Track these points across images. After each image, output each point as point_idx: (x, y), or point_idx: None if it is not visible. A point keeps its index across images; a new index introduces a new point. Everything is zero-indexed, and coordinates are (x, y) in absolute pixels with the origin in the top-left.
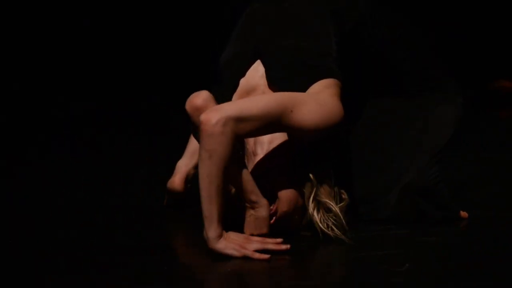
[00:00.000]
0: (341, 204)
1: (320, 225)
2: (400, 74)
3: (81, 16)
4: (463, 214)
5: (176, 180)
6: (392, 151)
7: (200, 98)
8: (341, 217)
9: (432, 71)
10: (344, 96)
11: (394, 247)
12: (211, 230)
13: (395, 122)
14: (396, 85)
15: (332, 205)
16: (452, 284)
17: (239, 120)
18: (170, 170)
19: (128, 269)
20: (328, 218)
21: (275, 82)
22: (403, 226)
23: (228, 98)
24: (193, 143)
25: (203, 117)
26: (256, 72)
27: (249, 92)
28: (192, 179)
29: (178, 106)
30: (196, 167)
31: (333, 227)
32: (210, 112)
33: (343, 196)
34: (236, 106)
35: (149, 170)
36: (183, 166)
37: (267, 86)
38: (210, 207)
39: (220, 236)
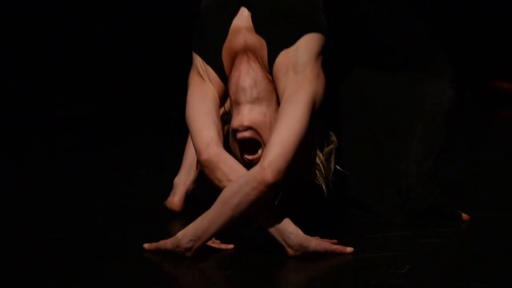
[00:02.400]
0: (329, 147)
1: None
2: (394, 49)
3: (81, 17)
4: (465, 216)
5: (176, 201)
6: (385, 143)
7: (207, 154)
8: (322, 167)
9: (426, 48)
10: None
11: (394, 248)
12: (191, 240)
13: (387, 106)
14: (388, 59)
15: (317, 156)
16: (453, 286)
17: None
18: (170, 170)
19: (129, 270)
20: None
21: (261, 31)
22: (404, 227)
23: (218, 52)
24: (188, 157)
25: (269, 180)
26: (240, 15)
27: (232, 35)
28: (191, 195)
29: (178, 105)
30: (194, 181)
31: (319, 176)
32: (275, 177)
33: (332, 138)
34: (287, 158)
35: (149, 170)
36: (181, 184)
37: (251, 29)
38: (211, 226)
39: (189, 249)
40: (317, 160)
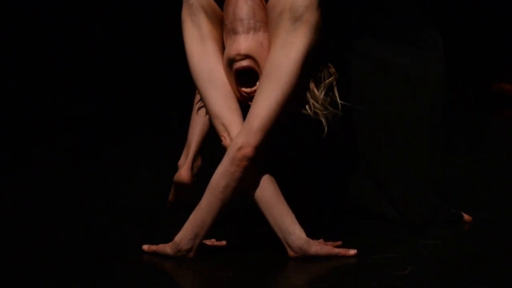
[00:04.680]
0: (328, 80)
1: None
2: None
3: (81, 17)
4: (467, 217)
5: (183, 173)
6: (383, 139)
7: (224, 142)
8: (318, 99)
9: (426, 32)
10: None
11: (396, 250)
12: (191, 240)
13: (385, 102)
14: (389, 52)
15: (313, 88)
16: (454, 287)
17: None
18: (170, 171)
19: (129, 270)
20: (310, 99)
21: None
22: (405, 229)
23: None
24: (193, 137)
25: (250, 155)
26: None
27: None
28: (197, 171)
29: (178, 106)
30: (198, 154)
31: (320, 112)
32: (256, 152)
33: (331, 70)
34: (267, 131)
35: (149, 170)
36: (185, 159)
37: None
38: (205, 217)
39: (190, 251)
40: (311, 95)
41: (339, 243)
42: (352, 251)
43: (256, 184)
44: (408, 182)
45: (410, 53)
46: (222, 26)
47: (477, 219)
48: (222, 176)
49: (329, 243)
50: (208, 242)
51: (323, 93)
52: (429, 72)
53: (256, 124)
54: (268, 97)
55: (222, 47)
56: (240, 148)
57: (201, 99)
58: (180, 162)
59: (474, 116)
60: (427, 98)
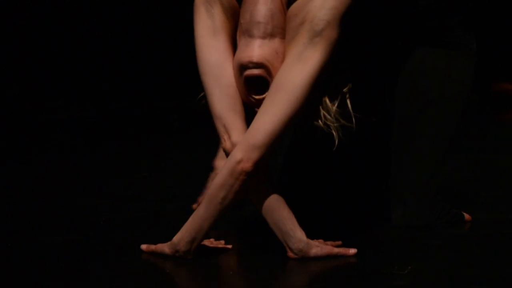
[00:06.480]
0: (342, 90)
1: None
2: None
3: (84, 20)
4: (467, 217)
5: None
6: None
7: (224, 146)
8: (331, 111)
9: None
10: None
11: (396, 250)
12: (189, 243)
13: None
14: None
15: (325, 100)
16: (455, 287)
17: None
18: (170, 171)
19: (129, 270)
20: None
21: None
22: (406, 229)
23: None
24: None
25: (249, 170)
26: None
27: None
28: None
29: (179, 107)
30: None
31: (325, 120)
32: (255, 167)
33: (345, 79)
34: (268, 147)
35: (149, 170)
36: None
37: None
38: (203, 224)
39: (189, 253)
40: (323, 106)
41: (339, 243)
42: (352, 251)
43: (257, 186)
44: (410, 182)
45: (444, 55)
46: (238, 22)
47: (477, 219)
48: (220, 187)
49: (329, 243)
50: (207, 242)
51: (336, 104)
52: (458, 75)
53: (259, 138)
54: (275, 112)
55: (234, 42)
56: (239, 162)
57: (205, 94)
58: (216, 161)
59: (475, 117)
60: (451, 101)
